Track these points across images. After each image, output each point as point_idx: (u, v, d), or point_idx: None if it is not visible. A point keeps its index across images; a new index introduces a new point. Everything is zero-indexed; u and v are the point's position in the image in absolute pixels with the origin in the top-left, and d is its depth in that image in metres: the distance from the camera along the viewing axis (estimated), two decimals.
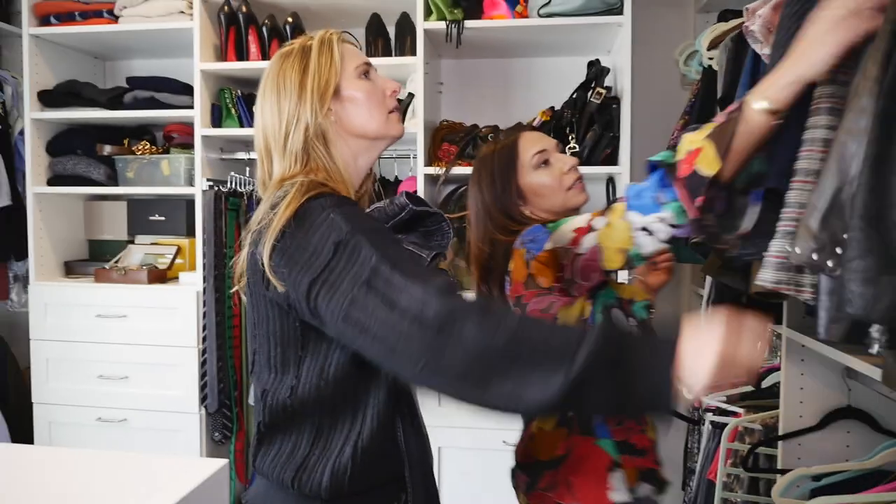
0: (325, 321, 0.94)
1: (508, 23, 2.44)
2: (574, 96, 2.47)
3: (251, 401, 2.62)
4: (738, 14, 2.05)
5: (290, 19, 2.57)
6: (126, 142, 2.87)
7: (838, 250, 0.90)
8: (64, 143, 2.83)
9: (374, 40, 2.65)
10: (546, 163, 1.42)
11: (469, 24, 2.42)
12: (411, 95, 2.54)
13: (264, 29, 2.58)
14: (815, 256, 0.94)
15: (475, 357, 0.85)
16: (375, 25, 2.66)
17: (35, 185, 2.76)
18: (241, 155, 2.75)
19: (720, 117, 1.05)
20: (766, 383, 1.91)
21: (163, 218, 2.87)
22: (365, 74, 1.12)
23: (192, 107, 2.65)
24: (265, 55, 2.59)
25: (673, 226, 1.09)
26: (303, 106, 1.06)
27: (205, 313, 2.58)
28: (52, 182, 2.81)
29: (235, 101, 2.66)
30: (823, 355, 1.40)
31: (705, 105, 2.19)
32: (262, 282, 1.00)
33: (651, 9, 2.68)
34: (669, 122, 2.47)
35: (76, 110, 2.76)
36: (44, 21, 2.75)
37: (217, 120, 2.68)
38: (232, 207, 2.64)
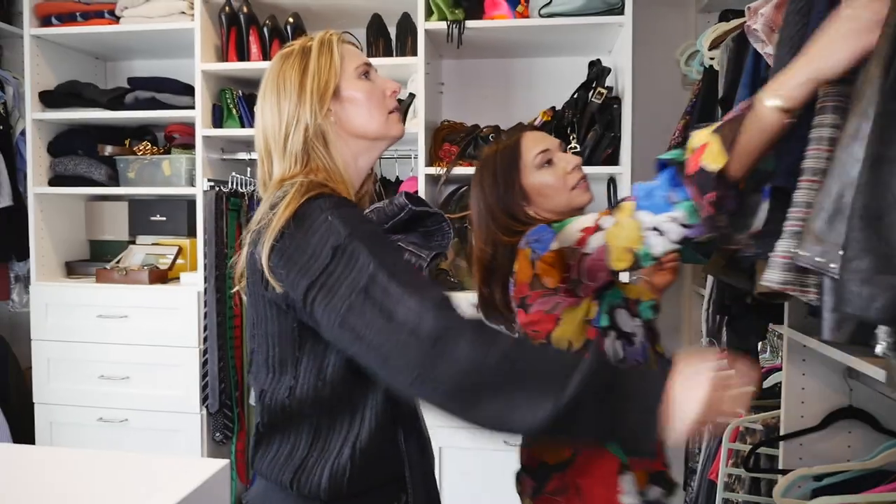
0: (321, 325, 0.95)
1: (509, 23, 2.44)
2: (575, 96, 2.47)
3: (252, 401, 2.62)
4: (740, 14, 2.05)
5: (291, 20, 2.57)
6: (127, 142, 2.87)
7: (842, 252, 0.90)
8: (65, 143, 2.84)
9: (374, 40, 2.65)
10: (549, 162, 1.41)
11: (470, 24, 2.42)
12: (412, 96, 2.54)
13: (265, 29, 2.58)
14: (819, 259, 0.94)
15: (467, 374, 0.85)
16: (376, 26, 2.66)
17: (36, 186, 2.76)
18: (243, 155, 2.75)
19: (731, 113, 1.04)
20: (767, 383, 1.91)
21: (164, 218, 2.87)
22: (365, 75, 1.12)
23: (193, 107, 2.65)
24: (266, 55, 2.59)
25: (685, 226, 1.07)
26: (302, 106, 1.06)
27: (206, 313, 2.58)
28: (53, 182, 2.81)
29: (236, 101, 2.66)
30: (825, 355, 1.40)
31: (706, 105, 2.19)
32: (260, 282, 1.00)
33: (652, 9, 2.68)
34: (670, 122, 2.47)
35: (77, 111, 2.76)
36: (45, 22, 2.75)
37: (218, 120, 2.68)
38: (233, 208, 2.64)
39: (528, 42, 2.65)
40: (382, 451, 1.04)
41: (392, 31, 2.68)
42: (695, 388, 0.83)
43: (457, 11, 2.41)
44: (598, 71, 2.42)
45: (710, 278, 1.94)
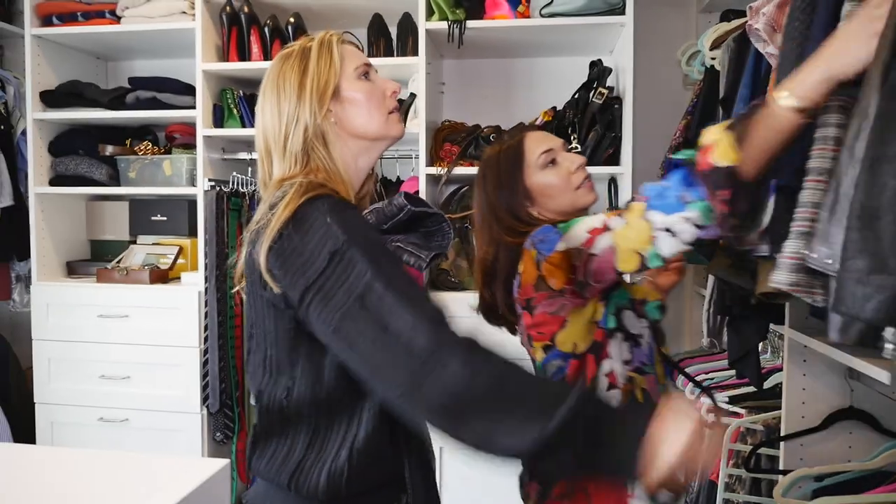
0: (316, 330, 0.95)
1: (510, 23, 2.43)
2: (576, 96, 2.47)
3: (253, 401, 2.62)
4: (741, 14, 2.05)
5: (292, 19, 2.57)
6: (128, 142, 2.87)
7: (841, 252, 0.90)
8: (66, 143, 2.84)
9: (376, 40, 2.65)
10: (553, 162, 1.38)
11: (471, 24, 2.42)
12: (413, 95, 2.53)
13: (266, 29, 2.58)
14: (828, 260, 0.94)
15: (455, 393, 0.85)
16: (377, 26, 2.66)
17: (37, 186, 2.77)
18: (243, 155, 2.75)
19: (743, 112, 1.03)
20: (768, 384, 1.91)
21: (165, 218, 2.88)
22: (365, 75, 1.12)
23: (194, 107, 2.65)
24: (267, 55, 2.59)
25: (699, 226, 1.05)
26: (302, 107, 1.06)
27: (206, 313, 2.58)
28: (54, 182, 2.81)
29: (237, 101, 2.66)
30: (826, 356, 1.40)
31: (707, 105, 2.19)
32: (258, 282, 1.00)
33: (653, 9, 2.67)
34: (671, 122, 2.46)
35: (78, 110, 2.77)
36: (46, 21, 2.75)
37: (219, 120, 2.68)
38: (234, 207, 2.65)
39: (529, 42, 2.65)
40: (380, 453, 1.03)
41: (393, 30, 2.68)
42: (676, 433, 0.84)
43: (458, 11, 2.41)
44: (599, 71, 2.42)
45: (710, 278, 1.94)
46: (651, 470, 0.84)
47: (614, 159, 2.41)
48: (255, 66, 2.59)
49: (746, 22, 1.49)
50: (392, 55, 2.64)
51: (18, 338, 2.91)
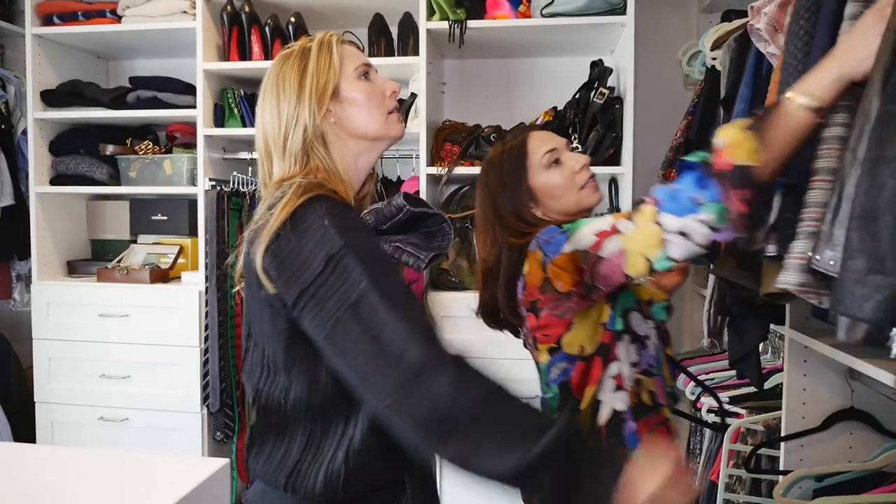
0: (308, 333, 0.95)
1: (511, 23, 2.43)
2: (577, 96, 2.47)
3: (250, 399, 2.62)
4: (742, 14, 2.05)
5: (292, 19, 2.57)
6: (129, 141, 2.87)
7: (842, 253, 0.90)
8: (67, 142, 2.84)
9: (376, 40, 2.65)
10: (557, 162, 1.37)
11: (472, 24, 2.42)
12: (414, 95, 2.53)
13: (267, 29, 2.58)
14: (832, 262, 0.94)
15: (440, 411, 0.86)
16: (378, 25, 2.66)
17: (38, 185, 2.77)
18: (244, 155, 2.75)
19: (759, 112, 1.02)
20: (768, 384, 1.91)
21: (165, 217, 2.88)
22: (364, 75, 1.12)
23: (194, 106, 2.65)
24: (268, 55, 2.59)
25: (713, 228, 1.03)
26: (301, 107, 1.06)
27: (207, 313, 2.58)
28: (54, 182, 2.81)
29: (238, 100, 2.67)
30: (826, 356, 1.40)
31: (708, 105, 2.19)
32: (255, 281, 0.99)
33: (654, 9, 2.67)
34: (672, 122, 2.46)
35: (79, 110, 2.77)
36: (47, 21, 2.75)
37: (220, 120, 2.68)
38: (234, 207, 2.64)
39: (529, 42, 2.65)
40: (378, 455, 1.02)
41: (394, 30, 2.68)
42: (651, 476, 0.86)
43: (458, 11, 2.41)
44: (599, 71, 2.42)
45: (711, 279, 1.94)
46: None
47: (615, 159, 2.40)
48: (255, 65, 2.59)
49: (748, 22, 1.49)
50: (393, 55, 2.64)
51: (19, 337, 2.91)
